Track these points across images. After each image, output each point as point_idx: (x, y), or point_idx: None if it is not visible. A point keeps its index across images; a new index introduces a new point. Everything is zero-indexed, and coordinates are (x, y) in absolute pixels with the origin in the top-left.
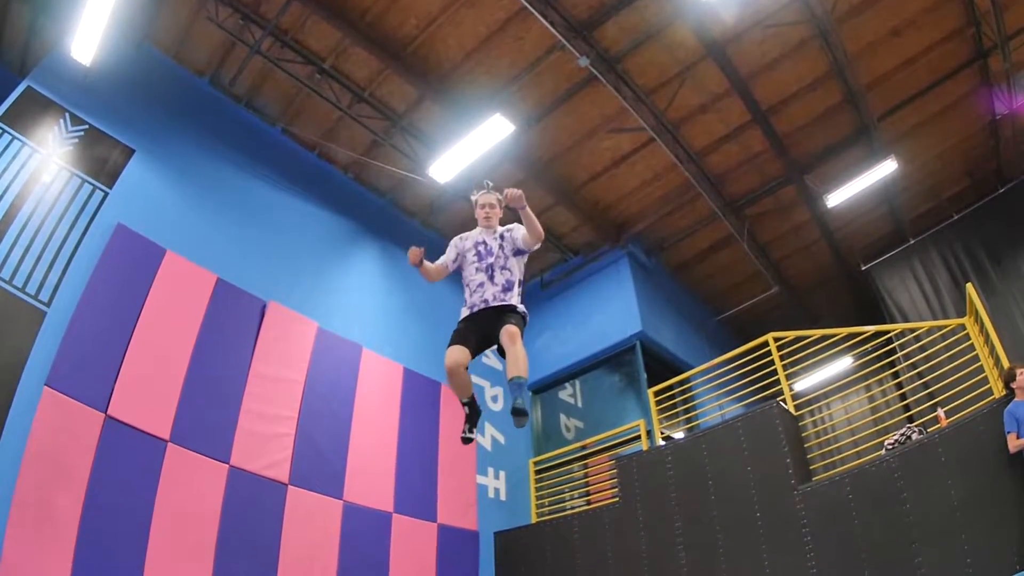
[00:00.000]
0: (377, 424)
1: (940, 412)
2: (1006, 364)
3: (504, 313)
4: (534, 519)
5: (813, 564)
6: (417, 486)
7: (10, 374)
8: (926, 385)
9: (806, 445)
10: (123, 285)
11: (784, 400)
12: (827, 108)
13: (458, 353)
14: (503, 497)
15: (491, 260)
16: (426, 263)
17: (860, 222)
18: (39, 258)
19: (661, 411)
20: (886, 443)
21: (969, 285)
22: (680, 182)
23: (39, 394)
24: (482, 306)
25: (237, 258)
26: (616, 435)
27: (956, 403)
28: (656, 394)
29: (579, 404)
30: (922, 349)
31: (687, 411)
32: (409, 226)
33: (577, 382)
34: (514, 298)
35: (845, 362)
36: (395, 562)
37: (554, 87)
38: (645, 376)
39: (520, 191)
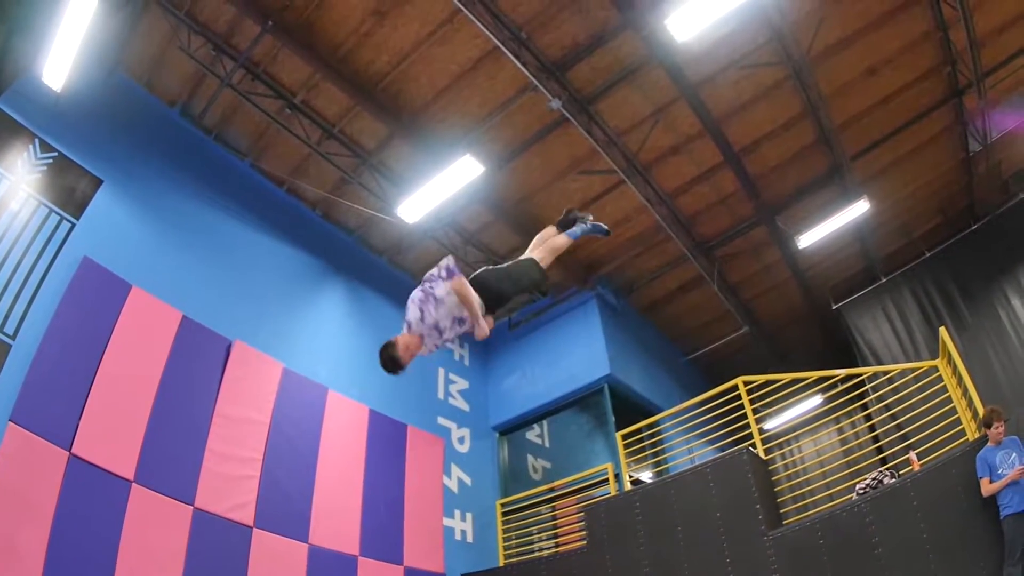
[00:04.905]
0: (342, 466)
1: (912, 455)
2: (979, 405)
3: None
4: (501, 562)
5: None
6: (383, 528)
7: None
8: (899, 426)
9: (776, 489)
10: (88, 320)
11: (754, 444)
12: (800, 149)
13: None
14: (470, 539)
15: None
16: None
17: (831, 261)
18: (5, 288)
19: (629, 454)
20: (857, 487)
21: (942, 329)
22: (650, 224)
23: (3, 428)
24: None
25: (203, 295)
26: (584, 478)
27: (928, 444)
28: (624, 437)
29: (547, 445)
30: (895, 391)
31: (656, 454)
32: (377, 265)
33: (545, 423)
34: None
35: (816, 401)
36: None
37: (525, 128)
38: (613, 419)
39: None
